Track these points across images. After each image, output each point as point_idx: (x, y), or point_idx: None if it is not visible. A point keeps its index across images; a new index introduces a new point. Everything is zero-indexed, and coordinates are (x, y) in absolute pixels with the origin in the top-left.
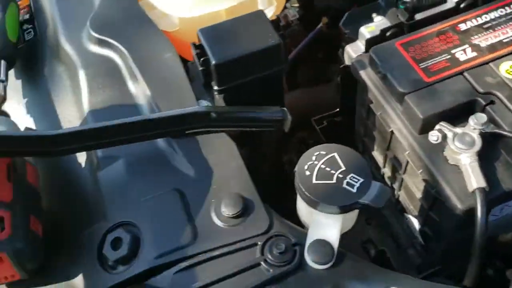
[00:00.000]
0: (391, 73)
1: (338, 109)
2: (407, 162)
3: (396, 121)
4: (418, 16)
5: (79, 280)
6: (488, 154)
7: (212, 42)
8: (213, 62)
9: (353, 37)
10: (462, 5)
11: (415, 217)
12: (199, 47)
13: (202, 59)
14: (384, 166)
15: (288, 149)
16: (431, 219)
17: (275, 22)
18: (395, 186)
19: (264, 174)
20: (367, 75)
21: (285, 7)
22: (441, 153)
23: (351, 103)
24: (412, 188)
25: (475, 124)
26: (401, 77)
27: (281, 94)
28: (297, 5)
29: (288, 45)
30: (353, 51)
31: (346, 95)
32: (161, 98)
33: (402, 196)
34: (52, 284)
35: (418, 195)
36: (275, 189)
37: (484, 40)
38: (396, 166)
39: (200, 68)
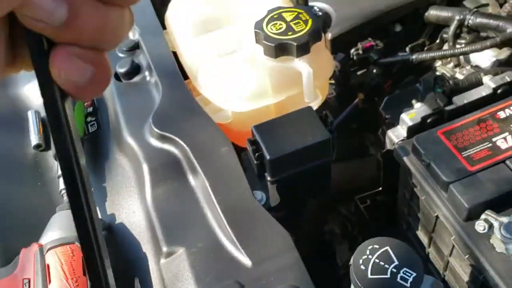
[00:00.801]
0: (435, 162)
1: (380, 188)
2: (453, 246)
3: (441, 207)
4: (457, 101)
5: None
6: None
7: (266, 138)
8: (268, 157)
9: (393, 122)
10: (499, 91)
11: None
12: (254, 143)
13: (257, 154)
14: (429, 247)
15: (330, 219)
16: None
17: (324, 118)
18: (441, 267)
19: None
20: (410, 162)
21: None
22: (487, 241)
23: (393, 184)
24: (459, 270)
25: None
26: (445, 165)
27: (329, 181)
28: (333, 81)
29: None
30: (395, 136)
31: (389, 177)
32: (218, 190)
33: (448, 277)
34: None
35: (465, 278)
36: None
37: None
38: (442, 248)
39: (256, 162)
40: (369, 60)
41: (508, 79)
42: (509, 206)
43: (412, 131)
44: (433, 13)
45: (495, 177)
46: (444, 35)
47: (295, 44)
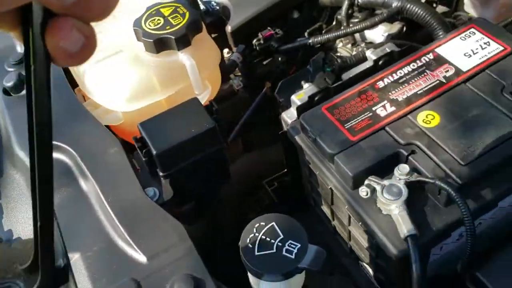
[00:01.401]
0: (320, 137)
1: (285, 170)
2: (349, 215)
3: (331, 179)
4: (345, 77)
5: None
6: (416, 201)
7: (151, 134)
8: (154, 152)
9: (287, 104)
10: (380, 62)
11: (367, 264)
12: (140, 140)
13: (144, 150)
14: (333, 219)
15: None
16: (380, 266)
17: (209, 107)
18: (345, 237)
19: (225, 243)
20: (301, 140)
21: (229, 78)
22: (374, 205)
23: (295, 164)
24: (359, 238)
25: (399, 175)
26: (329, 139)
27: (226, 168)
28: (239, 74)
29: (234, 114)
30: (288, 117)
31: (290, 157)
32: (108, 192)
33: (353, 246)
34: None
35: (365, 244)
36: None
37: (401, 94)
38: (342, 219)
39: (144, 159)
40: (271, 49)
41: (388, 50)
42: (390, 170)
43: (301, 110)
44: None
45: (376, 144)
46: (338, 17)
47: (173, 37)
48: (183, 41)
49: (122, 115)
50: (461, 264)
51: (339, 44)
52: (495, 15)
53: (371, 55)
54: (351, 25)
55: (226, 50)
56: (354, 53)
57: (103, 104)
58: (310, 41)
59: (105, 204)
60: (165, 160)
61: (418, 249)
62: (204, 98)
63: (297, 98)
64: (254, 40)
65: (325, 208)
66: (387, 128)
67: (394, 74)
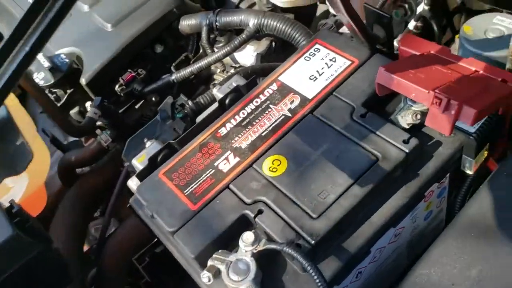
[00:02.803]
0: (157, 212)
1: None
2: None
3: (179, 258)
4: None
5: None
6: (274, 269)
7: None
8: None
9: (133, 169)
10: (227, 101)
11: None
12: None
13: None
14: None
15: None
16: None
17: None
18: None
19: None
20: (144, 214)
21: (97, 134)
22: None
23: None
24: None
25: (245, 246)
26: (167, 213)
27: (60, 272)
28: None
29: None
30: (134, 185)
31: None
32: None
33: None
34: None
35: None
36: None
37: (245, 140)
38: None
39: None
40: (134, 93)
41: (234, 84)
42: (236, 239)
43: (143, 176)
44: (185, 23)
45: (219, 209)
46: (202, 44)
47: None
48: None
49: None
50: None
51: (217, 71)
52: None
53: (217, 93)
54: (215, 51)
55: (89, 103)
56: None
57: None
58: (174, 77)
59: None
60: None
61: None
62: (22, 189)
63: (138, 162)
64: (116, 86)
65: None
66: (231, 186)
67: (237, 116)
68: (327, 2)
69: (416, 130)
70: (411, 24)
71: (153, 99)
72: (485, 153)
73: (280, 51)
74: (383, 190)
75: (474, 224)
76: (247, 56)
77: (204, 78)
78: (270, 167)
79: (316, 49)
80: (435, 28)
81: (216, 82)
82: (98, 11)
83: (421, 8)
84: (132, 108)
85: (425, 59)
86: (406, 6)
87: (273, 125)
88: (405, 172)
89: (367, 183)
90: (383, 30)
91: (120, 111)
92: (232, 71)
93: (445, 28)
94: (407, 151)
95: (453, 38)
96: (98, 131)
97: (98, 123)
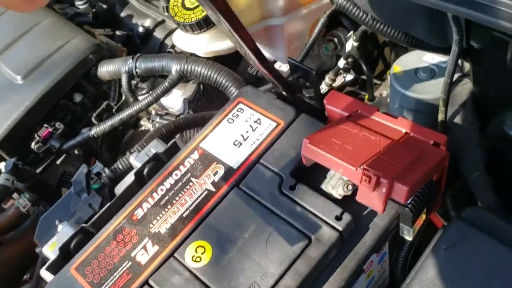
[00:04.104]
0: None
1: None
2: None
3: None
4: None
5: None
6: None
7: None
8: None
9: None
10: (145, 172)
11: None
12: None
13: None
14: None
15: None
16: None
17: None
18: None
19: None
20: None
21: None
22: None
23: None
24: None
25: None
26: None
27: None
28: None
29: None
30: (48, 276)
31: None
32: None
33: None
34: None
35: None
36: None
37: (164, 223)
38: None
39: None
40: (52, 150)
41: (153, 151)
42: None
43: (55, 269)
44: (104, 70)
45: None
46: (123, 91)
47: None
48: None
49: None
50: None
51: (144, 115)
52: (287, 53)
53: (134, 161)
54: (138, 100)
55: (3, 164)
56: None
57: None
58: (93, 132)
59: None
60: None
61: None
62: None
63: (49, 251)
64: (33, 144)
65: None
66: (150, 282)
67: (154, 194)
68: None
69: (348, 199)
70: (341, 62)
71: (76, 152)
72: (423, 217)
73: (209, 94)
74: (317, 276)
75: None
76: (174, 101)
77: (131, 124)
78: (193, 256)
79: (239, 109)
80: (364, 67)
81: (144, 128)
82: (6, 61)
83: (350, 44)
84: (54, 165)
85: (352, 124)
86: (336, 40)
87: (195, 203)
88: (340, 251)
89: (300, 272)
90: (309, 84)
91: (39, 170)
92: (158, 119)
93: (377, 59)
94: (340, 229)
95: (384, 71)
96: (15, 195)
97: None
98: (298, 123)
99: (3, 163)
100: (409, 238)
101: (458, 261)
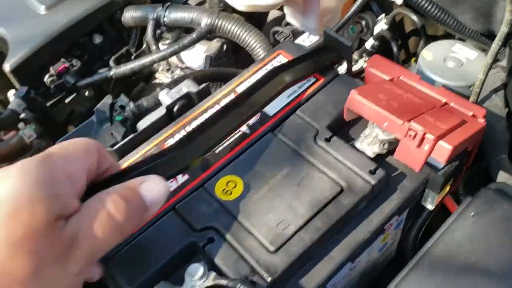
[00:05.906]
0: None
1: None
2: None
3: None
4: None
5: None
6: None
7: None
8: None
9: None
10: (175, 109)
11: None
12: None
13: None
14: None
15: None
16: None
17: None
18: None
19: None
20: None
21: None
22: None
23: None
24: None
25: (191, 280)
26: None
27: None
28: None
29: None
30: None
31: None
32: None
33: None
34: None
35: None
36: None
37: None
38: None
39: None
40: (66, 85)
41: (185, 90)
42: (181, 269)
43: None
44: (129, 15)
45: (163, 233)
46: (146, 38)
47: None
48: None
49: None
50: None
51: (159, 69)
52: (318, 25)
53: (165, 98)
54: (161, 48)
55: (12, 92)
56: (164, 79)
57: None
58: (112, 73)
59: None
60: None
61: None
62: None
63: None
64: (46, 77)
65: None
66: (177, 208)
67: (187, 127)
68: (285, 11)
69: (380, 158)
70: (369, 43)
71: (87, 93)
72: (447, 188)
73: (231, 54)
74: (346, 223)
75: (440, 264)
76: (196, 57)
77: (145, 76)
78: (224, 189)
79: (278, 62)
80: (395, 49)
81: (158, 81)
82: None
83: (380, 27)
84: (62, 102)
85: (395, 86)
86: (363, 23)
87: (229, 142)
88: (368, 205)
89: (330, 217)
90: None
91: (48, 104)
92: (178, 71)
93: (400, 49)
94: (373, 183)
95: (405, 60)
96: (21, 125)
97: (22, 115)
98: (338, 81)
99: (12, 91)
100: (431, 206)
101: (486, 227)
